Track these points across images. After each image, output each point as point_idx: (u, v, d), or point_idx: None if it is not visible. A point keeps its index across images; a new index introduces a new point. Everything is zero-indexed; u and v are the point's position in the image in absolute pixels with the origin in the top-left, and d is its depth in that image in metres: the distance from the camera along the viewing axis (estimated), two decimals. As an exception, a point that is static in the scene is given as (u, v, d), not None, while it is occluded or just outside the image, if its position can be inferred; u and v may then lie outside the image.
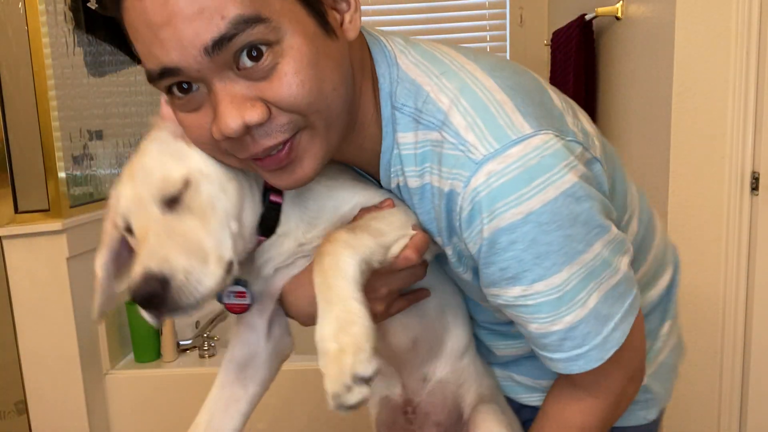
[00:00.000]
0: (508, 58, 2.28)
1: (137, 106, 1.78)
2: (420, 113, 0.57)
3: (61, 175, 1.34)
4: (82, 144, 1.49)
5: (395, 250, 0.60)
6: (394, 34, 0.64)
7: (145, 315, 0.53)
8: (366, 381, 0.48)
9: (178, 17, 0.47)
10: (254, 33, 0.48)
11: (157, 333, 1.54)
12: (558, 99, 0.61)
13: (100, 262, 0.62)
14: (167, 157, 0.57)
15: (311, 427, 1.51)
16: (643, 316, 0.62)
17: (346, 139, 0.60)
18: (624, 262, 0.58)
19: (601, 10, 1.57)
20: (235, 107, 0.50)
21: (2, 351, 1.35)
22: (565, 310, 0.55)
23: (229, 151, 0.55)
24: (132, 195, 0.56)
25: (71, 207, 1.38)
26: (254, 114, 0.50)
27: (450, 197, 0.55)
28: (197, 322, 1.91)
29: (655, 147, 1.38)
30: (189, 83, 0.52)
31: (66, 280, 1.35)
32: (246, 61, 0.49)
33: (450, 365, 0.75)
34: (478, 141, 0.53)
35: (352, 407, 0.48)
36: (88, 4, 1.50)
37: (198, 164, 0.56)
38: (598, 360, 0.57)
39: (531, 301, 0.55)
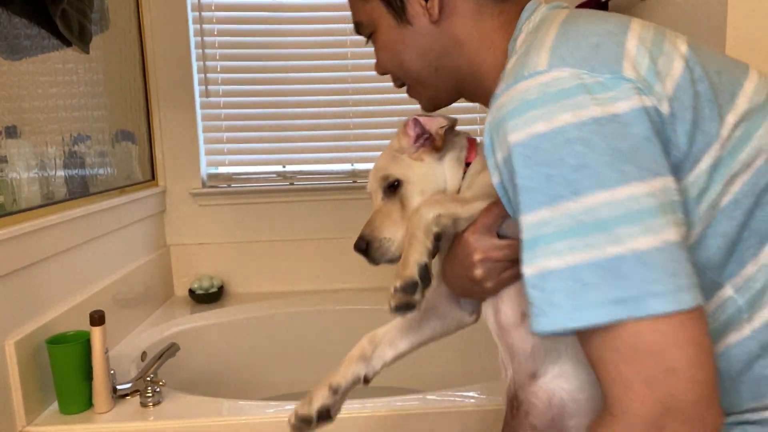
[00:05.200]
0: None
1: (64, 99, 1.47)
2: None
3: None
4: (-12, 143, 1.19)
5: (478, 208, 0.71)
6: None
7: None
8: (415, 286, 0.65)
9: None
10: (360, 31, 0.79)
11: (87, 376, 1.25)
12: (633, 31, 0.56)
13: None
14: (393, 161, 0.80)
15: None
16: (688, 342, 0.48)
17: (475, 88, 0.75)
18: (641, 242, 0.48)
19: (622, -12, 1.34)
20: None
21: None
22: (539, 254, 0.52)
23: None
24: (371, 184, 0.82)
25: (-33, 225, 1.07)
26: (377, 69, 0.81)
27: None
28: (143, 354, 1.61)
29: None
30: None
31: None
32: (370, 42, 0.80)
33: (566, 374, 0.68)
34: (503, 82, 0.58)
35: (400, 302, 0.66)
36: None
37: (407, 172, 0.78)
38: (557, 324, 0.51)
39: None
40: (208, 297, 2.02)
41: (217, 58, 2.06)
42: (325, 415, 0.80)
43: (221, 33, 2.05)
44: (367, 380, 0.83)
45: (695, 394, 0.47)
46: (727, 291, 0.55)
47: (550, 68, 0.53)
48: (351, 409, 1.25)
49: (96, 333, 1.23)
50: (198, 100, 2.07)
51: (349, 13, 0.78)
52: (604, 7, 1.41)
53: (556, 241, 0.51)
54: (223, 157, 2.12)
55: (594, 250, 0.49)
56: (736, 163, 0.53)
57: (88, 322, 1.23)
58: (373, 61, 0.80)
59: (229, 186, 2.12)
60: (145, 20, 1.99)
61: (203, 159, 2.11)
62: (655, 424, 0.48)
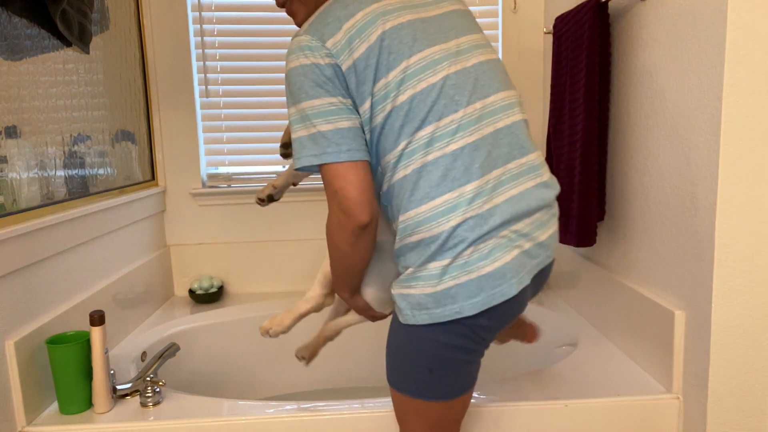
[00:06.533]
0: (500, 47, 2.05)
1: (64, 99, 1.47)
2: None
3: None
4: (-11, 143, 1.18)
5: None
6: None
7: None
8: None
9: None
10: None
11: (87, 376, 1.25)
12: (347, 23, 0.96)
13: None
14: None
15: None
16: (350, 175, 0.94)
17: None
18: (324, 127, 0.93)
19: (621, -12, 1.34)
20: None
21: None
22: (293, 130, 0.97)
23: None
24: None
25: (-32, 225, 1.07)
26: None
27: None
28: (143, 354, 1.62)
29: (695, 154, 1.15)
30: None
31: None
32: None
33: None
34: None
35: None
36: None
37: None
38: (297, 165, 0.97)
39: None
40: (208, 297, 2.02)
41: (217, 58, 2.06)
42: (272, 198, 1.41)
43: (221, 33, 2.05)
44: (294, 184, 1.43)
45: (345, 203, 0.93)
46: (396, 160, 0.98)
47: (303, 33, 0.96)
48: (351, 408, 1.25)
49: (96, 333, 1.23)
50: (198, 100, 2.07)
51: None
52: (604, 7, 1.41)
53: (295, 125, 0.96)
54: (223, 157, 2.12)
55: (305, 130, 0.95)
56: (378, 109, 0.94)
57: (88, 322, 1.23)
58: None
59: (229, 186, 2.12)
60: (145, 20, 1.99)
61: (203, 159, 2.11)
62: (338, 215, 0.95)
